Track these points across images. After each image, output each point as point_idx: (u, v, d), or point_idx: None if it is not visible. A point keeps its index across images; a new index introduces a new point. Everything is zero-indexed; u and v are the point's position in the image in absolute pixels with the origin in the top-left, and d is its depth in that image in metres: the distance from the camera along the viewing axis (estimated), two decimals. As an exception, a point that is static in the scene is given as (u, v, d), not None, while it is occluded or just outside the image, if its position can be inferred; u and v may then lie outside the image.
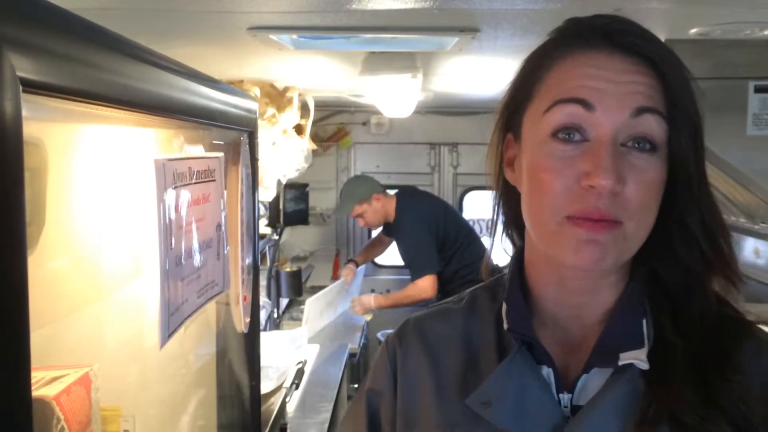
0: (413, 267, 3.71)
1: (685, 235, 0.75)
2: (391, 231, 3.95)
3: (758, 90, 1.73)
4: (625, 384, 0.73)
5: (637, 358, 0.72)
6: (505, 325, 0.79)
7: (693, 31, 1.63)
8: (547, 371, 0.77)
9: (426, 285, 3.63)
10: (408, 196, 3.87)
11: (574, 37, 0.75)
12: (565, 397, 0.76)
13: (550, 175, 0.71)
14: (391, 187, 4.05)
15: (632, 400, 0.72)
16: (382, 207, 3.82)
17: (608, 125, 0.70)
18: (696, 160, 0.72)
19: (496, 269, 0.92)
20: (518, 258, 0.85)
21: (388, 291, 4.70)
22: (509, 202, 0.85)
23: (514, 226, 0.87)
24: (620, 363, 0.73)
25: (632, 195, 0.69)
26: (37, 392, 0.84)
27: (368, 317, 4.00)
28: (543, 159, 0.73)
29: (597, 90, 0.70)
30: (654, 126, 0.70)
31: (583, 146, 0.71)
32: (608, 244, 0.70)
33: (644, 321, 0.76)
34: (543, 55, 0.77)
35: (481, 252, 3.74)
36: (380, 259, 4.84)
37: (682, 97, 0.71)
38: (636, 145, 0.70)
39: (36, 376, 0.88)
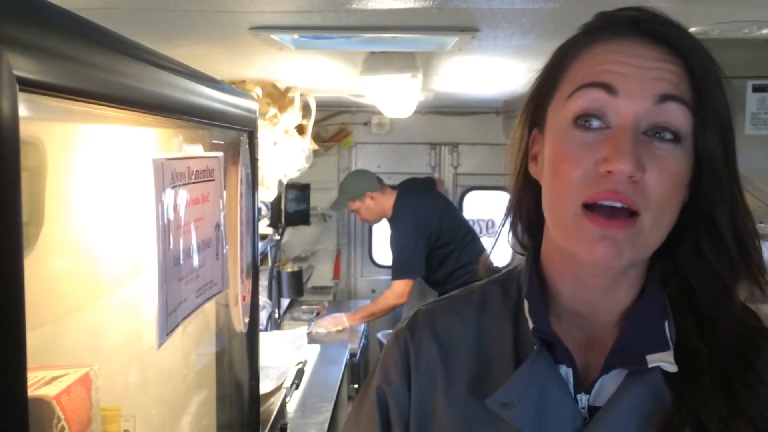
0: (395, 268, 3.68)
1: (714, 237, 0.73)
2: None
3: (756, 89, 1.73)
4: (645, 386, 0.72)
5: (665, 360, 0.71)
6: (531, 325, 0.77)
7: (691, 30, 1.63)
8: (566, 371, 0.76)
9: (402, 289, 3.60)
10: (407, 194, 3.82)
11: (601, 27, 0.74)
12: (582, 398, 0.75)
13: (570, 163, 0.70)
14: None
15: (653, 403, 0.71)
16: (376, 205, 3.78)
17: (630, 111, 0.68)
18: (725, 156, 0.70)
19: (493, 270, 0.91)
20: (534, 255, 0.83)
21: None
22: (527, 200, 0.83)
23: (528, 225, 0.85)
24: (649, 366, 0.71)
25: (652, 184, 0.67)
26: (37, 392, 0.85)
27: (337, 329, 3.82)
28: (564, 146, 0.71)
29: (621, 74, 0.69)
30: (678, 115, 0.69)
31: (604, 133, 0.69)
32: (623, 241, 0.68)
33: (666, 322, 0.74)
34: (569, 46, 0.76)
35: (479, 254, 3.71)
36: (381, 260, 4.85)
37: (709, 88, 0.70)
38: (657, 135, 0.69)
39: (36, 375, 0.88)
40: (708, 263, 0.74)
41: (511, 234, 0.87)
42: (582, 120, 0.70)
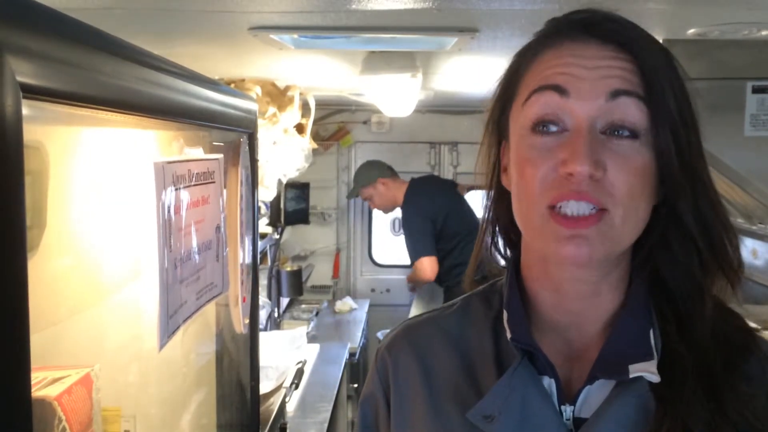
0: (411, 253, 3.75)
1: (680, 231, 0.73)
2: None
3: (756, 90, 1.72)
4: (632, 397, 0.70)
5: (648, 370, 0.70)
6: (509, 335, 0.76)
7: (691, 31, 1.64)
8: (548, 382, 0.74)
9: (423, 266, 3.66)
10: (419, 182, 3.90)
11: (553, 32, 0.74)
12: (567, 410, 0.73)
13: (532, 168, 0.70)
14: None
15: (640, 415, 0.70)
16: (387, 191, 3.88)
17: (584, 112, 0.69)
18: (679, 148, 0.70)
19: (491, 270, 0.90)
20: (514, 265, 0.82)
21: (387, 290, 4.74)
22: (502, 210, 0.83)
23: (507, 237, 0.85)
24: (631, 376, 0.70)
25: (615, 181, 0.68)
26: (39, 393, 0.85)
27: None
28: (525, 152, 0.72)
29: (571, 76, 0.70)
30: (632, 109, 0.69)
31: (562, 137, 0.70)
32: (594, 238, 0.68)
33: (651, 331, 0.73)
34: (523, 54, 0.77)
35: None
36: (380, 259, 4.85)
37: (660, 83, 0.69)
38: (615, 132, 0.69)
39: (38, 376, 0.89)
40: (678, 261, 0.73)
41: (492, 248, 0.86)
42: (540, 126, 0.71)
